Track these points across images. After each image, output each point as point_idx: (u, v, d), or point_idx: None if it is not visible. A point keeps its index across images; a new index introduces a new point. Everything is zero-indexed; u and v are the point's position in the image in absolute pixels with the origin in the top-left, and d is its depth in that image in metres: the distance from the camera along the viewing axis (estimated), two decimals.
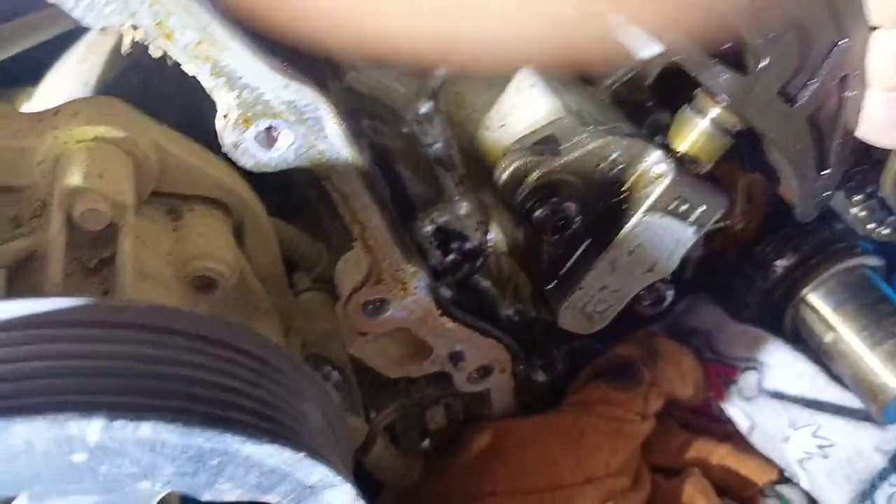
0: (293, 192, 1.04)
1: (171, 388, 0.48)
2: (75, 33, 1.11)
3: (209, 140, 0.77)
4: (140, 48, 1.14)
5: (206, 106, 0.89)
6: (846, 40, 0.62)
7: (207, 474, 0.49)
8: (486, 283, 0.89)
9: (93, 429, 0.45)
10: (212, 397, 0.49)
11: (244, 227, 0.81)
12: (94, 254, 0.65)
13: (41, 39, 1.05)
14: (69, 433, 0.45)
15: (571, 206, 0.66)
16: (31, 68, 1.11)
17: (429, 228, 0.79)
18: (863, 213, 0.83)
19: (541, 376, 0.97)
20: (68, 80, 1.09)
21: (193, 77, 0.57)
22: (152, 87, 1.04)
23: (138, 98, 0.78)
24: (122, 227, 0.64)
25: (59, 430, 0.44)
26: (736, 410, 1.04)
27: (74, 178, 0.63)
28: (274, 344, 0.56)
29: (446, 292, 0.82)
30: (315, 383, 0.59)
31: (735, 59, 0.61)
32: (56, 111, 0.67)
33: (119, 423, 0.45)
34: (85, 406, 0.45)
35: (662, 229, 0.70)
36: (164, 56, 0.56)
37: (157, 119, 0.74)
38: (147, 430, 0.46)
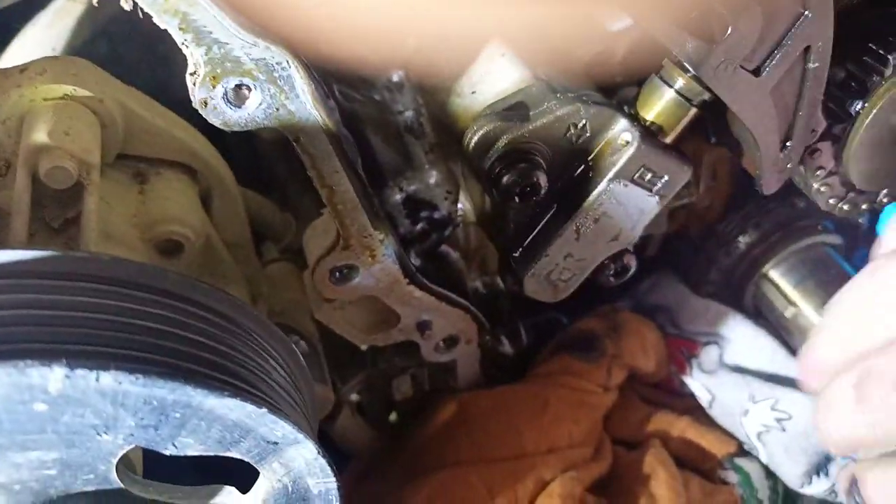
0: (262, 166, 1.03)
1: (134, 340, 0.48)
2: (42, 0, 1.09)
3: (177, 110, 0.76)
4: (108, 15, 1.12)
5: (173, 76, 0.88)
6: (809, 12, 0.63)
7: (170, 427, 0.49)
8: (454, 254, 0.90)
9: (54, 377, 0.44)
10: (174, 349, 0.49)
11: (211, 193, 0.80)
12: (58, 213, 0.64)
13: (6, 4, 1.03)
14: (31, 381, 0.44)
15: (539, 173, 0.67)
16: None
17: (398, 196, 0.80)
18: (824, 189, 0.85)
19: (507, 348, 0.98)
20: (35, 46, 1.07)
21: (161, 47, 0.56)
22: (120, 56, 1.03)
23: (106, 67, 0.78)
24: (87, 186, 0.63)
25: (20, 377, 0.44)
26: (697, 384, 1.06)
27: (40, 136, 0.62)
28: (239, 301, 0.56)
29: (414, 261, 0.82)
30: (280, 341, 0.59)
31: (700, 28, 0.62)
32: (22, 69, 0.66)
33: (81, 372, 0.45)
34: (46, 354, 0.44)
35: (627, 198, 0.71)
36: (132, 27, 0.56)
37: None
38: (108, 379, 0.46)
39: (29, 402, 0.45)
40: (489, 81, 0.72)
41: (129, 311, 0.50)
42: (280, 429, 0.53)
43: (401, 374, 0.95)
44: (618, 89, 0.85)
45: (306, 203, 0.98)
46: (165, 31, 0.56)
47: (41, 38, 1.11)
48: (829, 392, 0.63)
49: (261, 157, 1.05)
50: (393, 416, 1.04)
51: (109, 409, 0.47)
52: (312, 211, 0.95)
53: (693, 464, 1.02)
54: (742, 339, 1.05)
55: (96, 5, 0.59)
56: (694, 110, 0.67)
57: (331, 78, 0.76)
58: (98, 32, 1.07)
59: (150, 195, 0.74)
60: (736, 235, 1.03)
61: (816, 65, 0.66)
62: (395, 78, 0.79)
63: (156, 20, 0.54)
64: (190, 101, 0.80)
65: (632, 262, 0.78)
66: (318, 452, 0.55)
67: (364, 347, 0.91)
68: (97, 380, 0.45)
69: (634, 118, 0.69)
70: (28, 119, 0.65)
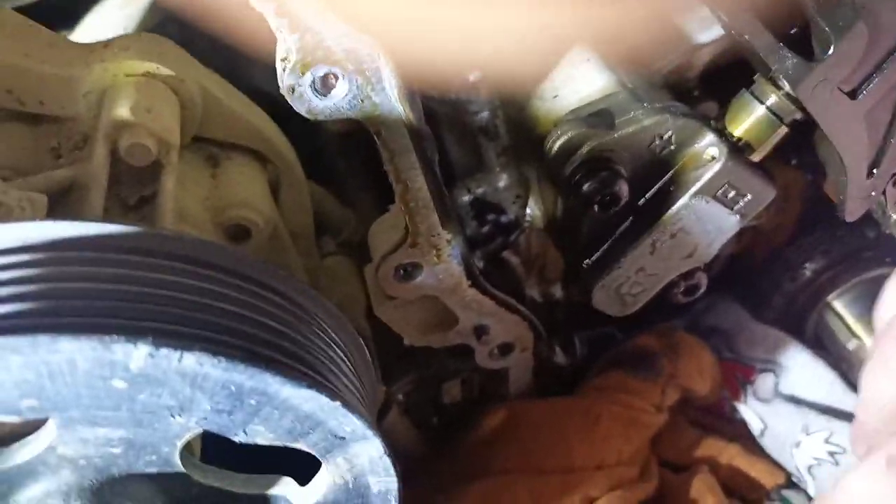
0: (323, 158, 1.03)
1: (218, 323, 0.47)
2: None
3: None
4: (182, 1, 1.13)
5: (241, 65, 0.88)
6: None
7: (243, 413, 0.49)
8: (514, 260, 0.88)
9: (138, 354, 0.44)
10: (256, 336, 0.49)
11: (280, 182, 0.80)
12: (134, 191, 0.65)
13: None
14: (113, 357, 0.44)
15: (621, 183, 0.65)
16: (67, 12, 1.10)
17: (466, 198, 0.79)
18: None
19: (561, 359, 0.96)
20: (106, 25, 1.08)
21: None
22: (189, 43, 1.04)
23: None
24: (166, 165, 0.63)
25: (104, 352, 0.43)
26: (750, 412, 1.03)
27: (122, 111, 0.62)
28: (314, 291, 0.56)
29: (477, 263, 0.81)
30: (351, 336, 0.58)
31: (801, 45, 0.60)
32: (107, 44, 0.67)
33: (164, 351, 0.44)
34: (132, 331, 0.44)
35: (707, 215, 0.69)
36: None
37: None
38: (191, 360, 0.45)
39: (109, 377, 0.45)
40: (572, 86, 0.71)
41: (212, 293, 0.49)
42: (350, 424, 0.52)
43: (452, 378, 0.93)
44: (696, 104, 0.84)
45: (365, 198, 0.98)
46: None
47: (113, 18, 1.12)
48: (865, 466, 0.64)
49: (323, 149, 1.04)
50: (434, 420, 1.03)
51: (187, 391, 0.46)
52: (370, 206, 0.95)
53: (740, 492, 1.00)
54: (800, 368, 1.02)
55: None
56: (784, 129, 0.65)
57: None
58: (169, 16, 1.07)
59: (222, 179, 0.74)
60: (803, 261, 1.00)
61: None
62: (474, 77, 0.78)
63: (253, 3, 0.54)
64: (256, 88, 0.80)
65: (703, 281, 0.76)
66: (385, 451, 0.54)
67: (415, 347, 0.90)
68: (180, 360, 0.44)
69: (722, 133, 0.67)
70: (110, 94, 0.65)
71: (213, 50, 1.05)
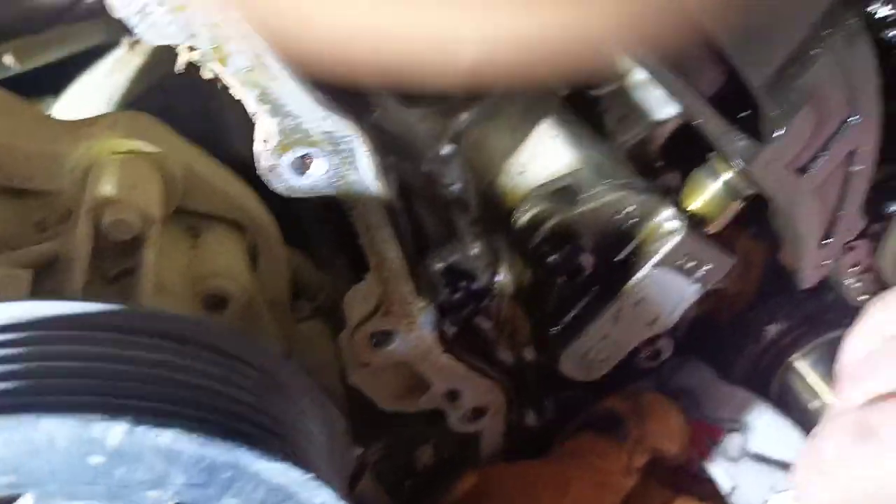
0: (300, 224, 1.06)
1: (193, 399, 0.49)
2: (102, 48, 1.13)
3: (225, 163, 0.79)
4: (165, 68, 1.16)
5: (224, 131, 0.91)
6: (857, 117, 0.65)
7: (217, 487, 0.50)
8: (486, 325, 0.90)
9: (115, 432, 0.45)
10: (230, 410, 0.50)
11: (258, 251, 0.82)
12: (116, 264, 0.66)
13: (70, 52, 1.07)
14: (92, 434, 0.45)
15: (584, 256, 0.68)
16: (53, 79, 1.13)
17: (439, 266, 0.81)
18: (857, 285, 0.86)
19: (532, 422, 0.98)
20: (92, 93, 1.10)
21: (213, 103, 0.59)
22: (174, 109, 1.07)
23: (160, 118, 0.80)
24: (147, 239, 0.65)
25: (82, 430, 0.45)
26: (719, 471, 1.05)
27: (106, 188, 0.64)
28: (291, 364, 0.57)
29: (450, 330, 0.83)
30: (325, 407, 0.60)
31: (752, 126, 0.64)
32: (92, 121, 0.69)
33: (141, 429, 0.46)
34: (110, 409, 0.45)
35: (668, 284, 0.72)
36: (187, 81, 0.58)
37: None
38: (167, 437, 0.46)
39: (87, 454, 0.46)
40: (539, 162, 0.75)
41: (188, 369, 0.51)
42: (322, 495, 0.53)
43: (425, 442, 0.94)
44: (658, 175, 0.88)
45: (341, 262, 1.00)
46: (218, 88, 0.58)
47: (99, 85, 1.15)
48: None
49: (301, 213, 1.07)
50: (407, 485, 1.03)
51: (163, 466, 0.48)
52: (347, 270, 0.97)
53: None
54: (767, 428, 1.04)
55: (154, 59, 0.62)
56: (739, 203, 0.69)
57: (384, 151, 0.79)
58: (154, 85, 1.10)
59: (201, 249, 0.76)
60: (765, 324, 1.04)
61: (861, 167, 0.68)
62: (446, 151, 0.81)
63: (234, 91, 0.57)
64: (237, 155, 0.83)
65: (666, 347, 0.79)
66: None
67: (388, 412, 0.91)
68: (156, 437, 0.46)
69: (679, 207, 0.71)
70: (95, 170, 0.68)
71: (197, 116, 1.08)
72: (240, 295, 0.75)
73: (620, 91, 0.84)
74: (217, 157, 0.79)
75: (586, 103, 0.85)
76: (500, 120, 0.80)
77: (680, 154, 0.81)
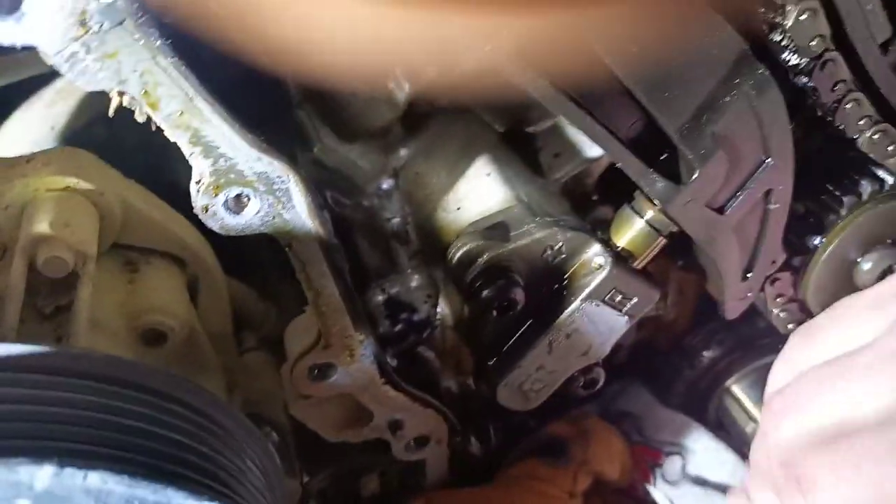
0: (245, 252, 1.06)
1: (122, 439, 0.50)
2: (44, 78, 1.13)
3: (170, 193, 0.80)
4: (110, 101, 1.16)
5: (168, 161, 0.92)
6: (771, 160, 0.69)
7: None
8: (429, 354, 0.92)
9: (42, 474, 0.46)
10: (159, 450, 0.51)
11: (198, 284, 0.83)
12: (50, 301, 0.66)
13: (10, 81, 1.07)
14: (18, 478, 0.45)
15: (516, 290, 0.70)
16: None
17: (380, 298, 0.83)
18: (783, 314, 0.90)
19: (476, 449, 0.99)
20: (35, 122, 1.10)
21: (157, 135, 0.60)
22: (117, 141, 1.07)
23: (103, 149, 0.81)
24: (82, 276, 0.66)
25: (8, 474, 0.45)
26: (659, 494, 1.07)
27: (41, 226, 0.64)
28: (221, 401, 0.58)
29: (391, 361, 0.84)
30: (258, 443, 0.60)
31: (671, 169, 0.67)
32: (29, 158, 0.69)
33: (69, 471, 0.46)
34: (37, 452, 0.46)
35: (598, 317, 0.75)
36: (130, 113, 0.59)
37: (121, 172, 0.76)
38: (95, 478, 0.47)
39: (13, 498, 0.46)
40: (473, 199, 0.77)
41: (116, 409, 0.51)
42: None
43: (369, 472, 0.95)
44: (593, 208, 0.91)
45: (286, 291, 1.00)
46: None
47: (42, 115, 1.14)
48: None
49: (244, 242, 1.07)
50: None
51: None
52: (292, 299, 0.98)
53: None
54: (705, 451, 1.07)
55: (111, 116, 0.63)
56: (663, 240, 0.72)
57: (324, 184, 0.81)
58: (97, 116, 1.10)
59: (139, 284, 0.76)
60: (700, 350, 1.07)
61: (777, 206, 0.72)
62: (385, 186, 0.83)
63: (167, 134, 0.58)
64: (182, 186, 0.83)
65: (600, 376, 0.81)
66: None
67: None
68: (84, 479, 0.46)
69: (607, 243, 0.74)
70: (30, 208, 0.68)
71: (141, 147, 1.08)
72: (179, 329, 0.76)
73: (556, 128, 0.87)
74: (161, 189, 0.80)
75: (523, 140, 0.88)
76: (437, 156, 0.83)
77: (615, 188, 0.84)
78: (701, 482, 1.07)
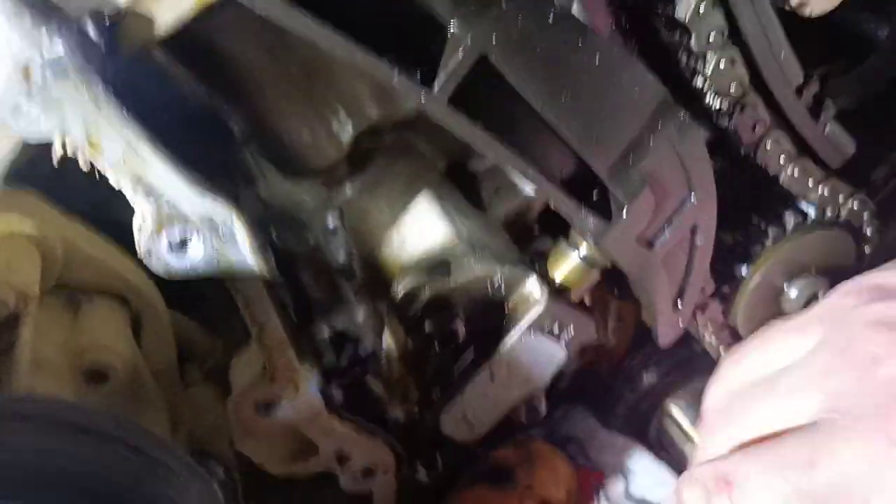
0: (190, 284, 1.06)
1: (63, 482, 0.50)
2: None
3: (116, 230, 0.80)
4: None
5: (114, 197, 0.91)
6: (694, 198, 0.73)
7: None
8: (376, 386, 0.93)
9: None
10: (98, 493, 0.51)
11: (142, 321, 0.83)
12: None
13: None
14: None
15: (458, 323, 0.73)
16: None
17: (326, 332, 0.84)
18: (715, 340, 0.94)
19: (424, 477, 1.00)
20: None
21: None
22: (63, 176, 1.06)
23: (48, 186, 0.81)
24: (24, 318, 0.66)
25: None
26: None
27: None
28: (165, 441, 0.59)
29: (337, 393, 0.85)
30: (204, 482, 0.61)
31: (602, 206, 0.71)
32: None
33: None
34: None
35: (537, 347, 0.78)
36: None
37: (66, 207, 0.76)
38: None
39: None
40: (416, 235, 0.79)
41: (57, 452, 0.52)
42: None
43: None
44: (534, 240, 0.94)
45: (231, 323, 1.01)
46: None
47: None
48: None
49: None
50: None
51: None
52: (238, 332, 0.98)
53: None
54: (646, 472, 1.10)
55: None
56: (597, 273, 0.75)
57: (269, 221, 0.82)
58: (42, 153, 1.09)
59: (81, 322, 0.76)
60: (639, 372, 1.11)
61: (703, 239, 0.76)
62: (330, 222, 0.85)
63: (111, 179, 0.59)
64: (126, 222, 0.84)
65: (542, 405, 0.84)
66: None
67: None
68: None
69: (545, 277, 0.77)
70: None
71: (87, 182, 1.08)
72: (121, 367, 0.76)
73: (496, 166, 0.90)
74: (107, 224, 0.80)
75: (465, 176, 0.90)
76: (381, 192, 0.85)
77: (555, 221, 0.88)
78: (643, 503, 1.10)
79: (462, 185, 0.90)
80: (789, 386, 0.78)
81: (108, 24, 0.55)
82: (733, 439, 0.80)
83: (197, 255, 0.63)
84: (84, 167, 0.57)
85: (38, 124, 0.54)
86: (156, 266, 0.63)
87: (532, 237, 0.93)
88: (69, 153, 0.56)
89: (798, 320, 0.88)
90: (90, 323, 0.76)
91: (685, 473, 0.81)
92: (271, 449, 0.86)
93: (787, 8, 0.68)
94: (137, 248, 0.62)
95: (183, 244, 0.63)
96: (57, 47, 0.52)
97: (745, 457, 0.74)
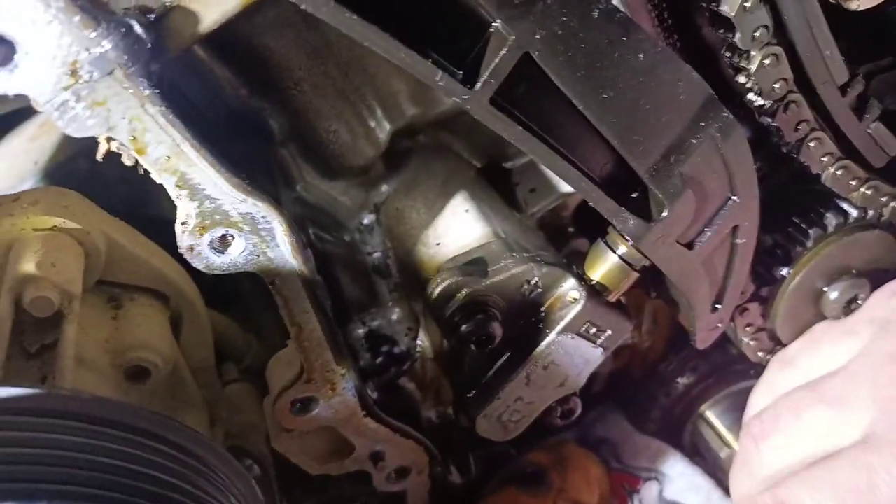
0: (226, 284, 1.07)
1: (108, 479, 0.51)
2: (27, 111, 1.14)
3: (151, 227, 0.81)
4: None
5: (149, 194, 0.93)
6: (737, 197, 0.72)
7: None
8: (410, 386, 0.94)
9: None
10: (146, 490, 0.52)
11: (182, 319, 0.84)
12: (36, 339, 0.67)
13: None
14: None
15: (494, 324, 0.72)
16: None
17: (361, 331, 0.84)
18: (753, 343, 0.92)
19: (456, 478, 1.00)
20: (18, 156, 1.11)
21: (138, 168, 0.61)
22: (100, 174, 1.08)
23: (86, 183, 0.82)
24: (67, 315, 0.67)
25: None
26: None
27: (28, 266, 0.65)
28: (205, 439, 0.59)
29: (372, 393, 0.86)
30: (241, 479, 0.61)
31: (642, 206, 0.70)
32: (15, 198, 0.71)
33: None
34: (25, 494, 0.47)
35: (573, 349, 0.77)
36: None
37: (103, 205, 0.77)
38: None
39: None
40: (453, 235, 0.79)
41: (103, 449, 0.52)
42: None
43: (352, 502, 0.96)
44: (569, 240, 0.93)
45: (268, 322, 1.01)
46: None
47: (25, 149, 1.15)
48: None
49: (225, 274, 1.08)
50: None
51: None
52: (274, 330, 0.99)
53: None
54: (681, 477, 1.09)
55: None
56: (635, 274, 0.75)
57: (307, 221, 0.82)
58: (80, 150, 1.11)
59: (123, 320, 0.77)
60: (675, 376, 1.10)
61: (744, 241, 0.74)
62: (367, 221, 0.85)
63: (154, 177, 0.59)
64: (164, 219, 0.85)
65: (577, 406, 0.83)
66: None
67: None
68: None
69: (582, 277, 0.76)
70: (17, 247, 0.69)
71: (123, 181, 1.09)
72: (162, 365, 0.77)
73: (532, 164, 0.89)
74: (143, 221, 0.81)
75: (500, 175, 0.90)
76: (417, 192, 0.85)
77: (590, 220, 0.87)
78: None
79: (497, 184, 0.90)
80: (839, 395, 0.77)
81: (153, 20, 0.56)
82: (782, 452, 0.79)
83: (237, 253, 0.64)
84: (127, 162, 0.58)
85: (84, 122, 0.54)
86: (197, 263, 0.63)
87: (567, 236, 0.93)
88: (113, 150, 0.56)
89: (847, 322, 0.87)
90: (132, 321, 0.77)
91: (735, 490, 0.80)
92: (307, 448, 0.86)
93: (832, 1, 0.67)
94: (179, 244, 0.63)
95: (224, 242, 0.63)
96: (104, 45, 0.53)
97: (804, 484, 0.73)
